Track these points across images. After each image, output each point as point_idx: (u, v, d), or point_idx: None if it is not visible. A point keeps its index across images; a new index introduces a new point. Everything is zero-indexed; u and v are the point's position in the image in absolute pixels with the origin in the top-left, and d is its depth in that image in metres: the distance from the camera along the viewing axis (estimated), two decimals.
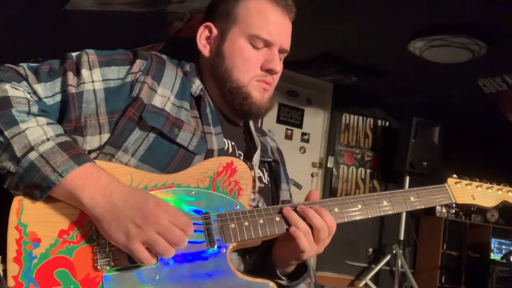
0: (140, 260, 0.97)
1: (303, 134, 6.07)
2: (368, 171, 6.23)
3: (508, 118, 4.99)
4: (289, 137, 5.96)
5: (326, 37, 4.63)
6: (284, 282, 1.19)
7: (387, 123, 6.38)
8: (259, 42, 1.24)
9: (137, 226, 0.96)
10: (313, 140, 6.11)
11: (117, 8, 3.91)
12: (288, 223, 1.11)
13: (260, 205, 1.25)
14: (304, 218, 1.11)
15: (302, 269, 1.21)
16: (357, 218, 1.18)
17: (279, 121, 5.89)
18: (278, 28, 1.26)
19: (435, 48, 4.29)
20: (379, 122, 6.37)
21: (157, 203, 0.99)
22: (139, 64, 1.14)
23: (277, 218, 1.11)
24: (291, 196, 1.39)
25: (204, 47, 1.28)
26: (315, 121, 6.14)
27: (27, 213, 0.97)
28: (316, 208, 1.13)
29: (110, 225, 0.96)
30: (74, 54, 1.13)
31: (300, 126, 6.06)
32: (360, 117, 6.30)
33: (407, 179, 5.68)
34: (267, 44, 1.25)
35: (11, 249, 0.95)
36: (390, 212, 1.21)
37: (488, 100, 4.85)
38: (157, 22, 4.29)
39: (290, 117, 5.99)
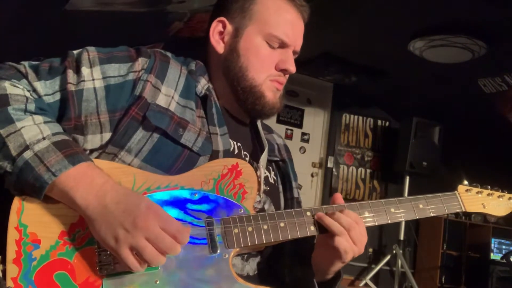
0: (127, 266, 0.93)
1: (303, 134, 6.07)
2: (368, 171, 6.22)
3: (508, 118, 4.98)
4: (289, 137, 5.95)
5: (326, 37, 4.61)
6: None
7: (387, 123, 6.36)
8: (275, 42, 1.22)
9: (126, 230, 0.92)
10: (313, 140, 6.10)
11: (117, 8, 3.89)
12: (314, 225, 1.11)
13: (266, 206, 1.22)
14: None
15: (335, 277, 1.21)
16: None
17: (279, 121, 5.88)
18: (294, 29, 1.24)
19: (435, 48, 4.27)
20: (379, 122, 6.35)
21: (149, 207, 0.94)
22: (141, 62, 1.12)
23: (282, 224, 1.09)
24: (298, 194, 1.37)
25: (217, 43, 1.25)
26: (315, 121, 6.13)
27: (27, 213, 0.96)
28: (340, 209, 1.13)
29: (100, 227, 0.93)
30: (75, 52, 1.11)
31: (300, 126, 6.05)
32: (360, 117, 6.28)
33: (407, 179, 5.67)
34: (283, 45, 1.23)
35: (11, 250, 0.93)
36: (399, 220, 1.20)
37: (488, 100, 4.84)
38: (157, 22, 4.28)
39: (290, 117, 5.98)
